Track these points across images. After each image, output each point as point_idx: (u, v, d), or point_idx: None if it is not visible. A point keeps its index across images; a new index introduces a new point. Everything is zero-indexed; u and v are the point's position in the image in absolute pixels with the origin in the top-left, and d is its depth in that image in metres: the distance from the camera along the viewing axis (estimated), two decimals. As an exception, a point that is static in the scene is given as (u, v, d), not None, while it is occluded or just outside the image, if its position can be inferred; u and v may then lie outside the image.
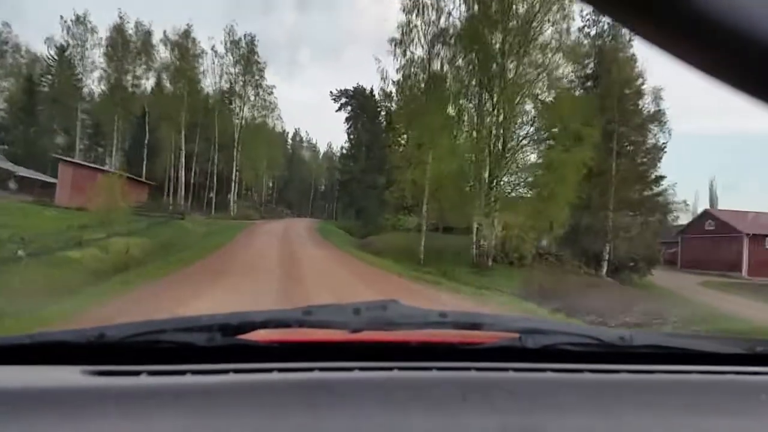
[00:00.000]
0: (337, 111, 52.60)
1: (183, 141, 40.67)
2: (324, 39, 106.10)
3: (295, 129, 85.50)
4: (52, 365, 0.87)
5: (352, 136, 52.67)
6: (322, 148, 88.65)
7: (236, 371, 0.84)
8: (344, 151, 54.10)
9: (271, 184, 72.43)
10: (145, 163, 40.17)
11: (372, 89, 53.32)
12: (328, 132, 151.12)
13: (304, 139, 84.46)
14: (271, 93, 48.50)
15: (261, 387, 0.80)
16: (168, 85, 42.21)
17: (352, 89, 52.83)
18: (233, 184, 44.84)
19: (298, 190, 77.86)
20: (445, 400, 0.78)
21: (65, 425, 0.70)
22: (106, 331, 0.89)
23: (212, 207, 44.11)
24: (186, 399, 0.75)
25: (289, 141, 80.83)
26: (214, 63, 45.16)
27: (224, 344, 0.90)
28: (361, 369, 0.86)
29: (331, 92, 52.92)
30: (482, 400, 0.78)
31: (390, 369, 0.87)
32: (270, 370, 0.84)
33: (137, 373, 0.83)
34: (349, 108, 52.89)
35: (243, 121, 46.70)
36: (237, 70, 45.78)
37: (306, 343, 1.00)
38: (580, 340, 0.96)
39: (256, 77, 46.94)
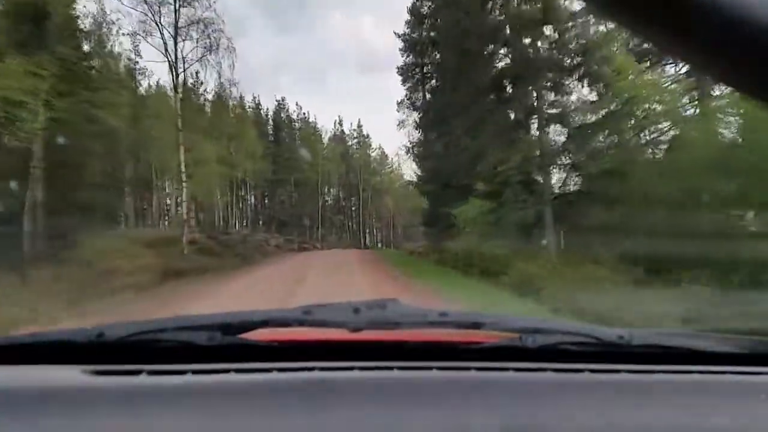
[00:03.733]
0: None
1: None
2: (303, 62, 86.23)
3: (279, 100, 51.74)
4: (53, 365, 0.86)
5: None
6: (328, 127, 55.77)
7: (237, 371, 0.84)
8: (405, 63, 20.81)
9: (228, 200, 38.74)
10: None
11: None
12: (334, 106, 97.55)
13: (294, 116, 50.66)
14: None
15: (261, 387, 0.80)
16: None
17: None
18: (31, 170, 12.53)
19: (296, 200, 44.22)
20: (445, 400, 0.78)
21: (65, 425, 0.70)
22: (107, 330, 0.89)
23: None
24: (186, 398, 0.76)
25: (270, 121, 47.32)
26: None
27: (225, 343, 0.90)
28: (361, 369, 0.86)
29: None
30: (482, 400, 0.78)
31: (390, 369, 0.86)
32: (270, 370, 0.84)
33: (137, 373, 0.82)
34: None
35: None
36: None
37: (306, 343, 1.00)
38: (580, 339, 0.96)
39: None
